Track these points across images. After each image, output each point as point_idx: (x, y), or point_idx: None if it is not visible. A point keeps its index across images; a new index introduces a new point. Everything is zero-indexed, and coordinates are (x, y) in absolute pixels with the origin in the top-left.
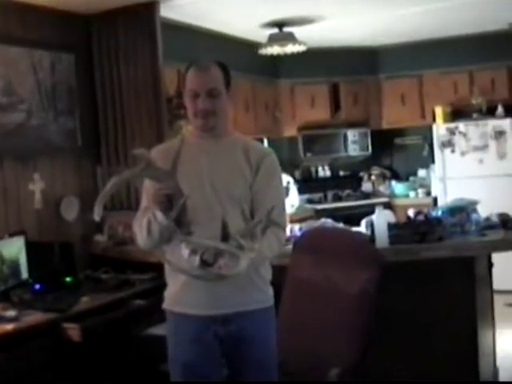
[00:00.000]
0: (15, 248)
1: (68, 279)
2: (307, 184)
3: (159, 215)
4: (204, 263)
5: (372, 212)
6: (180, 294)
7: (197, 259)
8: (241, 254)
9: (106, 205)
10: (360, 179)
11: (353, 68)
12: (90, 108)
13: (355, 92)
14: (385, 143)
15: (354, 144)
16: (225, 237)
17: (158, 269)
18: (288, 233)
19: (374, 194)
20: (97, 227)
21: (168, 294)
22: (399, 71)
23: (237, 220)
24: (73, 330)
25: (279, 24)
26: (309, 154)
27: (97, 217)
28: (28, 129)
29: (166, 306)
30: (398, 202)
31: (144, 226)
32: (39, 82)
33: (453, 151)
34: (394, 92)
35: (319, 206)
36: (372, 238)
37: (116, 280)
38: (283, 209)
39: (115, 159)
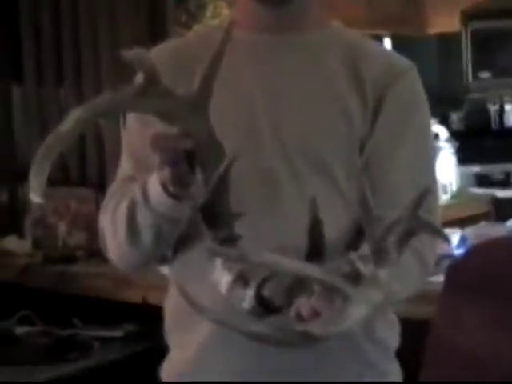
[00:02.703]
0: None
1: None
2: (478, 141)
3: (155, 189)
4: (264, 306)
5: None
6: (199, 365)
7: (248, 296)
8: (353, 291)
9: None
10: None
11: None
12: None
13: None
14: None
15: None
16: (316, 250)
17: (144, 315)
18: None
19: None
20: (10, 223)
21: (173, 363)
22: None
23: (336, 214)
24: None
25: None
26: (484, 75)
27: (36, 196)
28: None
29: None
30: None
31: (122, 217)
32: None
33: None
34: None
35: (503, 193)
36: None
37: (49, 339)
38: (436, 195)
39: (53, 73)
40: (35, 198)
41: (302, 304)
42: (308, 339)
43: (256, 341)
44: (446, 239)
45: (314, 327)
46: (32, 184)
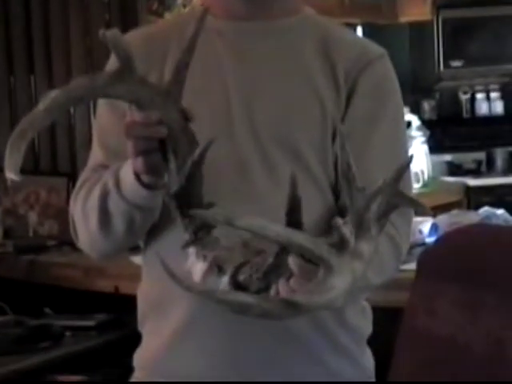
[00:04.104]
0: None
1: None
2: (450, 130)
3: (127, 179)
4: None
5: None
6: (172, 351)
7: (223, 283)
8: (337, 261)
9: None
10: None
11: None
12: None
13: None
14: None
15: None
16: (294, 227)
17: (115, 305)
18: None
19: None
20: None
21: (146, 351)
22: None
23: (309, 200)
24: None
25: None
26: (455, 63)
27: (12, 173)
28: None
29: (138, 377)
30: None
31: (94, 205)
32: None
33: None
34: None
35: (474, 181)
36: None
37: (20, 329)
38: (409, 179)
39: (24, 61)
40: (11, 175)
41: (281, 285)
42: (292, 308)
43: (240, 312)
44: (428, 212)
45: (299, 296)
46: (7, 163)
